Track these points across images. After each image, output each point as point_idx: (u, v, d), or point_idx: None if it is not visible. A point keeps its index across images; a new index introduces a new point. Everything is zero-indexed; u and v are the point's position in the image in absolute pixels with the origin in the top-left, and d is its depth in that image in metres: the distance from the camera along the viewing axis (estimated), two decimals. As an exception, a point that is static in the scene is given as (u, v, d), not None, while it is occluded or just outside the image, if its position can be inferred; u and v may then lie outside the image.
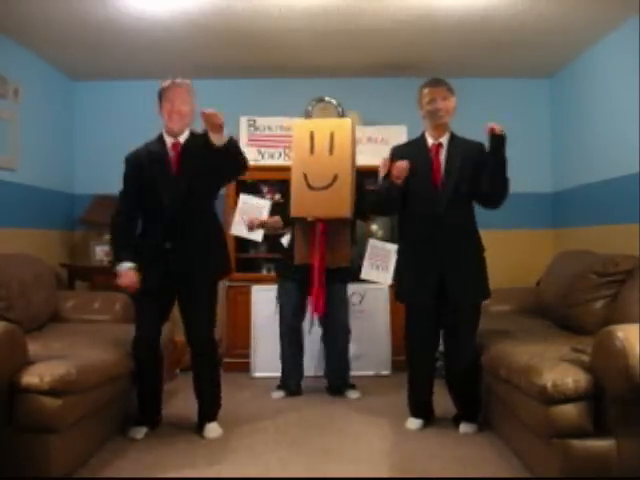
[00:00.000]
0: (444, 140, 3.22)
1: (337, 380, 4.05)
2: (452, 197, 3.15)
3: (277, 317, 4.08)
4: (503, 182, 3.16)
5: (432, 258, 3.16)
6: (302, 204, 3.74)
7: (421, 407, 3.35)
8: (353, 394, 3.98)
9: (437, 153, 3.20)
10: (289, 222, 3.97)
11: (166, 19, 3.97)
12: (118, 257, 3.12)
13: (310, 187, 3.72)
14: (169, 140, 3.14)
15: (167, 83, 3.11)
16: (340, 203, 3.69)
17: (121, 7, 3.77)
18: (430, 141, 3.23)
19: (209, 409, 3.25)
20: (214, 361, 3.31)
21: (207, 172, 3.09)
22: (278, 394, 4.00)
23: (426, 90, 3.20)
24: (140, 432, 3.16)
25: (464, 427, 3.22)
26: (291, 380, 4.03)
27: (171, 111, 3.08)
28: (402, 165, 3.14)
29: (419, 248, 3.21)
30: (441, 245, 3.15)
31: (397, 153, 3.31)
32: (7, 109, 4.24)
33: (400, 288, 3.37)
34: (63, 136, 5.19)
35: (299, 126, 3.84)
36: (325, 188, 3.71)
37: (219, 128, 2.92)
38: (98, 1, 3.68)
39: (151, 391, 3.28)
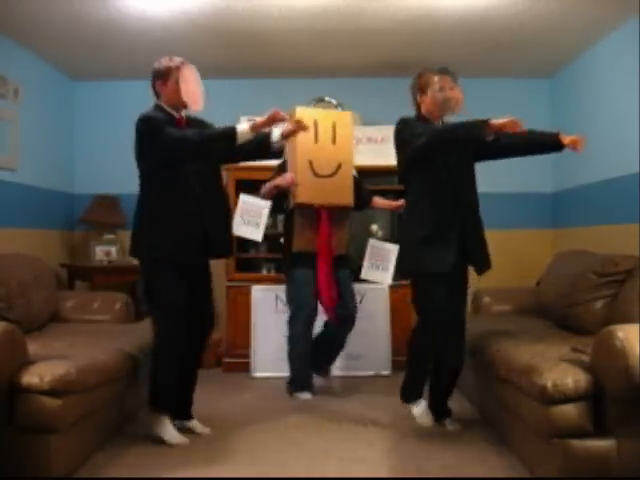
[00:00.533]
0: None
1: (322, 360, 4.06)
2: (467, 172, 3.15)
3: (286, 314, 4.01)
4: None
5: (455, 224, 3.07)
6: (308, 190, 3.77)
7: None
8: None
9: None
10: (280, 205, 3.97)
11: (166, 19, 3.97)
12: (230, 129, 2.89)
13: (315, 174, 3.78)
14: (175, 114, 3.07)
15: (177, 62, 3.04)
16: (344, 192, 3.82)
17: (121, 7, 3.77)
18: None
19: (191, 400, 3.27)
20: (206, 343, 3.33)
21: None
22: (306, 395, 3.90)
23: (436, 78, 3.11)
24: (176, 436, 3.02)
25: (452, 425, 3.23)
26: (308, 378, 3.97)
27: (193, 92, 3.02)
28: (517, 122, 2.82)
29: (445, 213, 3.07)
30: (463, 213, 3.09)
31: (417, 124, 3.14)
32: (7, 109, 4.24)
33: (424, 257, 3.05)
34: (63, 136, 5.19)
35: (303, 113, 3.78)
36: (330, 176, 3.81)
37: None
38: (99, 1, 3.69)
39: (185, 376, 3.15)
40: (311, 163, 3.76)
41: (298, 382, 3.95)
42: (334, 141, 3.80)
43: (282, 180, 3.81)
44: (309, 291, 3.88)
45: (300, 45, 4.51)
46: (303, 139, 3.73)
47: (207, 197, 3.05)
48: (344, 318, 3.95)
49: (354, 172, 4.02)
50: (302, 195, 3.76)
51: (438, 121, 3.17)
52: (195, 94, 3.02)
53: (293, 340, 3.94)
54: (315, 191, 3.77)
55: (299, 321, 3.90)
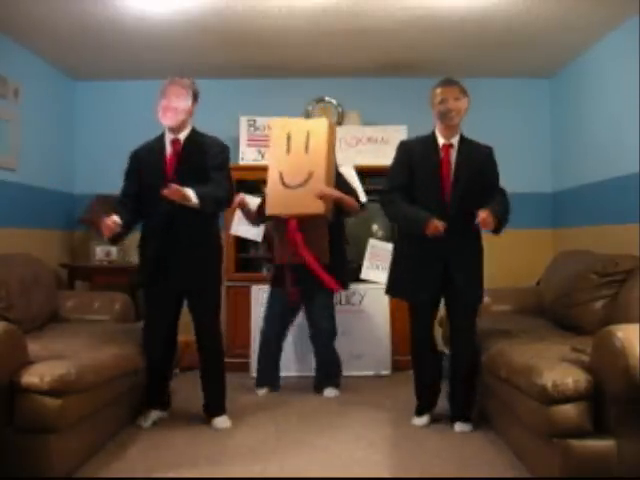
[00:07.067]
0: (455, 141, 3.20)
1: (319, 377, 4.05)
2: (460, 198, 3.14)
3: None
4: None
5: (437, 256, 3.14)
6: (277, 202, 3.74)
7: (426, 406, 3.34)
8: (331, 392, 3.96)
9: (447, 153, 3.18)
10: (264, 219, 3.97)
11: (166, 19, 3.96)
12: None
13: (285, 185, 3.72)
14: (169, 137, 3.19)
15: (166, 81, 3.18)
16: (314, 199, 3.66)
17: (121, 7, 3.77)
18: (441, 141, 3.20)
19: (219, 402, 3.34)
20: (220, 354, 3.38)
21: (203, 177, 3.11)
22: (262, 391, 4.02)
23: (438, 90, 3.18)
24: (150, 417, 3.31)
25: (460, 426, 3.22)
26: (272, 377, 4.06)
27: (165, 107, 3.14)
28: (440, 228, 3.02)
29: (424, 245, 3.14)
30: (447, 244, 3.10)
31: (407, 149, 3.28)
32: (7, 109, 4.24)
33: (395, 284, 3.33)
34: (63, 136, 5.18)
35: (278, 126, 3.84)
36: (300, 186, 3.70)
37: (185, 200, 2.96)
38: (98, 1, 3.68)
39: (160, 380, 3.40)
40: (281, 175, 3.71)
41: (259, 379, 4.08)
42: (307, 150, 3.72)
43: (234, 203, 3.74)
44: (280, 312, 4.01)
45: (300, 45, 4.50)
46: (276, 151, 3.76)
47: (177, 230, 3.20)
48: (313, 336, 4.01)
49: (348, 177, 3.99)
50: (271, 207, 3.74)
51: (448, 131, 3.18)
52: (166, 107, 3.12)
53: (266, 342, 4.06)
54: (283, 202, 3.71)
55: (266, 339, 4.04)
